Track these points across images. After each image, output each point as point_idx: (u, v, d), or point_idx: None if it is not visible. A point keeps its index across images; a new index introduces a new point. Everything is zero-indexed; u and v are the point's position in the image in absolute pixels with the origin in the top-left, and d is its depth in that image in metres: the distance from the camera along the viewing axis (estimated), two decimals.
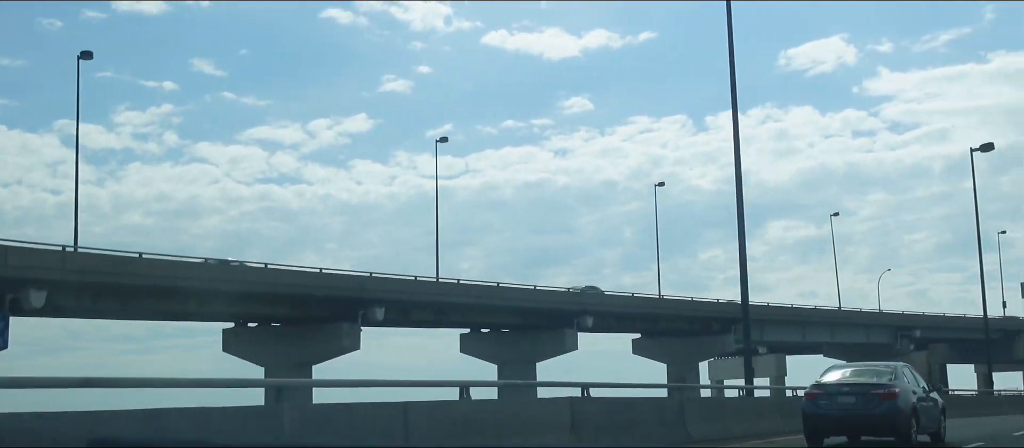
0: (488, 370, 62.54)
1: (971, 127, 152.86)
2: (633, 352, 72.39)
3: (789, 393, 36.40)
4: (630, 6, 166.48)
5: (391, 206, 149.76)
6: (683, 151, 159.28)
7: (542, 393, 21.29)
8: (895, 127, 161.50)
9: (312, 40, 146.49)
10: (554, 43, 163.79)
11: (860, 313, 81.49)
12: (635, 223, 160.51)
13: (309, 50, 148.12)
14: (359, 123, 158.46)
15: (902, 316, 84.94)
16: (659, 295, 70.54)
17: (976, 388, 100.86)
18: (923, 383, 22.11)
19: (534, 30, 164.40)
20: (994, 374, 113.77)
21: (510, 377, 44.25)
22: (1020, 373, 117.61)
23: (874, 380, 20.44)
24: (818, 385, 20.79)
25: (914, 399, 20.31)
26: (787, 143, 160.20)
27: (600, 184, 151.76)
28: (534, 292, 59.06)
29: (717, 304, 67.88)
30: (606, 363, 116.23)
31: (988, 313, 76.23)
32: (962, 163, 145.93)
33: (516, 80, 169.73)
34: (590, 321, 61.46)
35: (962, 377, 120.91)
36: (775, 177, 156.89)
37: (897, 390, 19.93)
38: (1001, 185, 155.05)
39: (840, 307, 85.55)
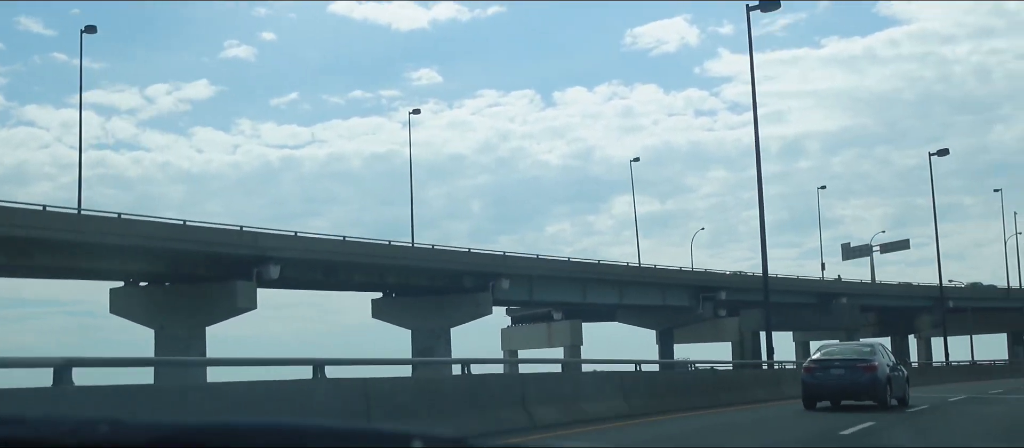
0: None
1: (806, 109, 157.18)
2: (373, 315, 58.86)
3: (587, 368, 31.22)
4: None
5: (234, 175, 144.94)
6: (531, 126, 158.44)
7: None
8: (735, 107, 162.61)
9: (149, 1, 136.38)
10: (402, 14, 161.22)
11: (654, 270, 69.96)
12: (484, 196, 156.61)
13: (147, 11, 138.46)
14: (200, 89, 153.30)
15: (705, 275, 74.08)
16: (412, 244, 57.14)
17: (794, 358, 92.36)
18: (893, 359, 26.87)
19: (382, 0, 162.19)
20: (812, 342, 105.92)
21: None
22: (839, 340, 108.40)
23: (857, 357, 25.24)
24: (813, 360, 25.56)
25: (888, 371, 24.99)
26: (632, 120, 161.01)
27: (448, 157, 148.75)
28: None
29: (469, 254, 54.97)
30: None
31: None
32: (797, 144, 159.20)
33: (364, 50, 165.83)
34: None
35: (778, 346, 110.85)
36: (621, 153, 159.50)
37: (876, 364, 24.67)
38: (833, 166, 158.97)
39: (639, 264, 73.83)
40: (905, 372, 27.63)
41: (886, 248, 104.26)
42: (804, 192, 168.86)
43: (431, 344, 55.80)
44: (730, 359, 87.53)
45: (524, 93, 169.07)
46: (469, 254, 54.97)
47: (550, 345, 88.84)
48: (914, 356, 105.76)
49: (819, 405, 24.36)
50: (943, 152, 75.09)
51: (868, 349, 26.21)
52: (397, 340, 59.02)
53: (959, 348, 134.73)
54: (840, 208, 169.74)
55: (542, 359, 39.53)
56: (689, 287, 72.11)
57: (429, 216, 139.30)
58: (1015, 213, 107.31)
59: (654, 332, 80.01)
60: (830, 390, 24.42)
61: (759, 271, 41.71)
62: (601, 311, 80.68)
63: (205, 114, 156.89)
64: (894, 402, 24.96)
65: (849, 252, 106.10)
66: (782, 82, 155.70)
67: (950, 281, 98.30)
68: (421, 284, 55.26)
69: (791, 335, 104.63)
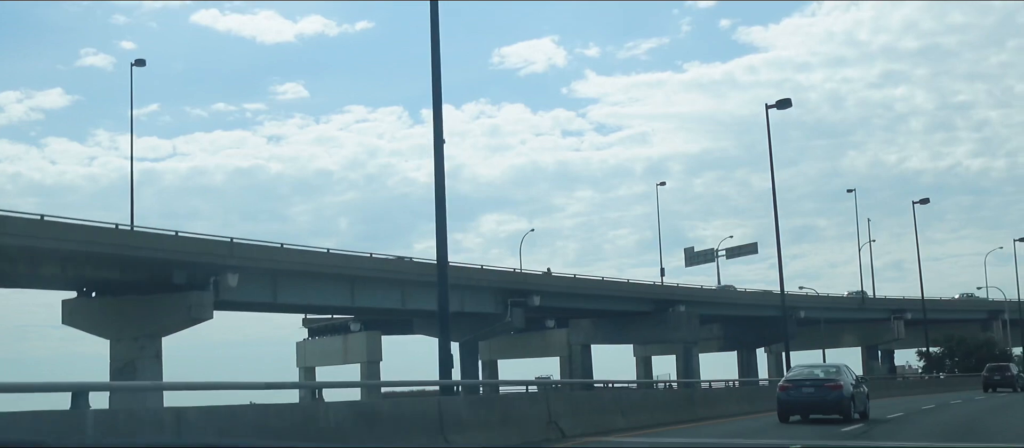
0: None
1: (670, 131, 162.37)
2: (63, 321, 44.93)
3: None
4: None
5: (90, 188, 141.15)
6: (400, 143, 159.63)
7: None
8: (601, 128, 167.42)
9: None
10: (268, 26, 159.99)
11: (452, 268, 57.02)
12: (351, 213, 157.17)
13: None
14: (54, 98, 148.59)
15: (511, 275, 62.06)
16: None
17: (635, 379, 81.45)
18: (855, 377, 29.57)
19: (247, 11, 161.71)
20: (655, 357, 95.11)
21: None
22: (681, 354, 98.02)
23: (825, 377, 28.30)
24: (788, 380, 28.85)
25: (852, 388, 28.12)
26: (500, 139, 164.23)
27: (315, 173, 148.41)
28: None
29: (176, 238, 41.49)
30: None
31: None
32: (661, 165, 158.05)
33: (228, 62, 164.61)
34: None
35: (615, 361, 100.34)
36: (488, 172, 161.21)
37: (841, 383, 27.80)
38: (695, 187, 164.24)
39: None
40: (866, 389, 30.66)
41: (732, 253, 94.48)
42: (668, 212, 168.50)
43: (133, 358, 42.26)
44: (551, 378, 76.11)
45: (392, 109, 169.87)
46: (176, 238, 41.44)
47: (346, 361, 76.00)
48: (764, 372, 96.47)
49: (791, 419, 27.38)
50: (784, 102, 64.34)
51: (834, 370, 29.15)
52: (94, 353, 45.37)
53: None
54: (702, 228, 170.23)
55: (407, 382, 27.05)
56: (492, 289, 59.95)
57: (294, 233, 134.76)
58: (869, 219, 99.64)
59: (457, 345, 67.56)
60: (802, 406, 27.61)
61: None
62: (395, 320, 68.23)
63: (59, 124, 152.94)
64: (857, 416, 27.78)
65: (693, 257, 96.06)
66: (647, 105, 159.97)
67: (801, 288, 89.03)
68: (123, 279, 41.78)
69: (631, 349, 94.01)
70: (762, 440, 22.19)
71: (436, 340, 60.39)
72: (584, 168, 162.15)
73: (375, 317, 68.48)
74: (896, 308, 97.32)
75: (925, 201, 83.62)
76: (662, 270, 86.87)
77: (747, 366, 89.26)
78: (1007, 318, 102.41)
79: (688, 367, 71.42)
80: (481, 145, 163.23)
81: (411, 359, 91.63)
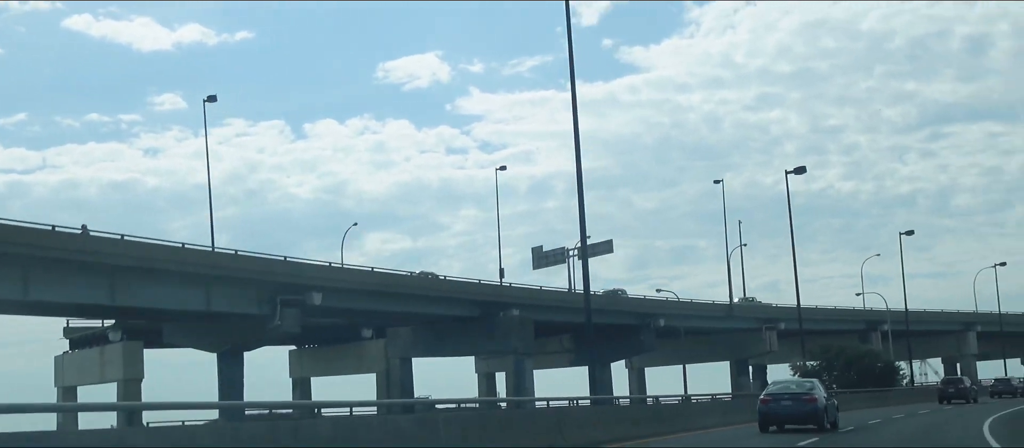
0: None
1: (553, 150, 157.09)
2: None
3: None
4: (227, 5, 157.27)
5: None
6: (281, 157, 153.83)
7: None
8: (485, 146, 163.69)
9: None
10: (144, 34, 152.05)
11: (183, 250, 43.39)
12: (231, 229, 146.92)
13: None
14: None
15: (284, 265, 48.23)
16: None
17: (477, 397, 69.83)
18: (826, 392, 32.47)
19: (123, 18, 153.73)
20: (499, 373, 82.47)
21: None
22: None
23: (801, 391, 31.21)
24: (768, 394, 31.40)
25: (825, 402, 30.85)
26: (385, 155, 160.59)
27: (193, 187, 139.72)
28: None
29: None
30: None
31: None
32: (544, 184, 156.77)
33: (102, 70, 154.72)
34: None
35: (452, 377, 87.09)
36: (372, 188, 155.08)
37: (816, 396, 30.58)
38: (574, 208, 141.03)
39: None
40: (836, 402, 33.86)
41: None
42: (552, 231, 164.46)
43: None
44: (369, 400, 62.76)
45: (274, 123, 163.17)
46: None
47: (103, 379, 61.41)
48: (623, 388, 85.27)
49: (770, 429, 30.32)
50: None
51: (809, 384, 32.54)
52: None
53: (671, 379, 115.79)
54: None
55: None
56: (255, 284, 46.43)
57: None
58: (740, 221, 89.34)
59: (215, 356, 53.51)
60: (781, 417, 30.42)
61: None
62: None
63: None
64: (829, 425, 30.70)
65: (541, 258, 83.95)
66: (530, 123, 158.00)
67: (659, 291, 77.41)
68: None
69: (473, 362, 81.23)
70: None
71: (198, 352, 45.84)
72: (468, 186, 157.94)
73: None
74: (768, 317, 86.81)
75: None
76: (501, 271, 74.55)
77: (599, 383, 77.09)
78: (888, 329, 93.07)
79: (519, 383, 59.05)
80: (365, 161, 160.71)
81: (180, 374, 76.97)
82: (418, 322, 63.95)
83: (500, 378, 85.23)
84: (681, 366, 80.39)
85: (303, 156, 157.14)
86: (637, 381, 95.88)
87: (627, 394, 78.79)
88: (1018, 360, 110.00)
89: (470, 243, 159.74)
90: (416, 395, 64.11)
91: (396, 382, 66.51)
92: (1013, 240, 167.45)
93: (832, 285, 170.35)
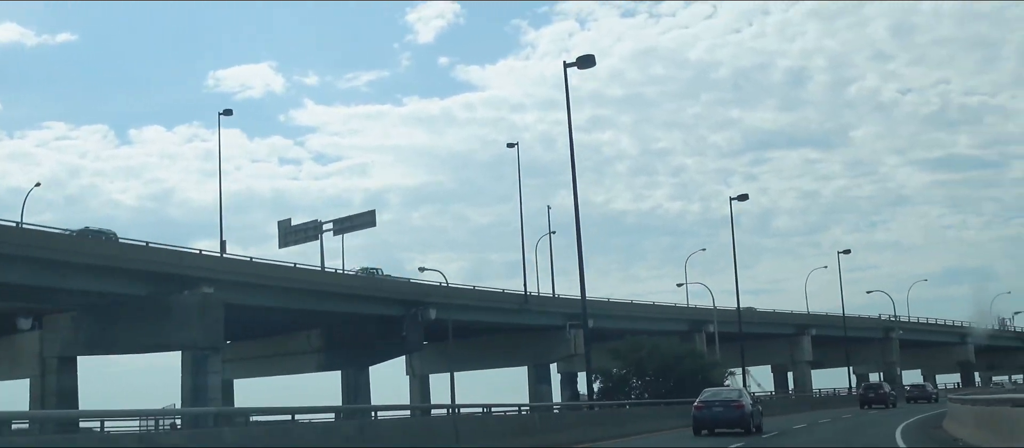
0: None
1: (388, 164, 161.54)
2: None
3: None
4: (50, 5, 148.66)
5: None
6: (105, 163, 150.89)
7: None
8: (320, 158, 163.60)
9: None
10: None
11: None
12: None
13: None
14: None
15: None
16: None
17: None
18: (751, 399, 36.02)
19: None
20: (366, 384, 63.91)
21: None
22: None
23: (731, 398, 34.23)
24: (702, 401, 34.02)
25: (751, 407, 34.20)
26: (214, 164, 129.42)
27: (8, 191, 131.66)
28: None
29: None
30: None
31: None
32: (380, 197, 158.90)
33: None
34: None
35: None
36: (202, 197, 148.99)
37: (743, 403, 33.81)
38: (413, 220, 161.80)
39: None
40: (760, 408, 37.11)
41: (342, 226, 65.28)
42: (387, 244, 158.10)
43: None
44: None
45: (97, 128, 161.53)
46: None
47: None
48: (399, 398, 67.83)
49: (702, 432, 33.03)
50: None
51: (737, 393, 36.21)
52: None
53: (468, 387, 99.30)
54: (419, 261, 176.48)
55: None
56: None
57: None
58: (548, 207, 74.09)
59: None
60: (712, 422, 33.22)
61: None
62: None
63: None
64: (754, 429, 33.58)
65: (290, 233, 66.21)
66: (366, 136, 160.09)
67: (422, 269, 60.31)
68: None
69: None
70: None
71: None
72: (302, 197, 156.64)
73: None
74: (574, 312, 71.26)
75: None
76: (223, 242, 56.37)
77: (355, 392, 59.79)
78: (715, 330, 78.84)
79: (195, 391, 41.05)
80: (194, 169, 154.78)
81: None
82: (82, 306, 45.60)
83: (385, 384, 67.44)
84: (466, 372, 64.08)
85: (128, 162, 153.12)
86: (420, 390, 79.14)
87: (401, 404, 61.80)
88: (849, 368, 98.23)
89: (303, 254, 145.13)
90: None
91: (53, 393, 47.64)
92: (829, 259, 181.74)
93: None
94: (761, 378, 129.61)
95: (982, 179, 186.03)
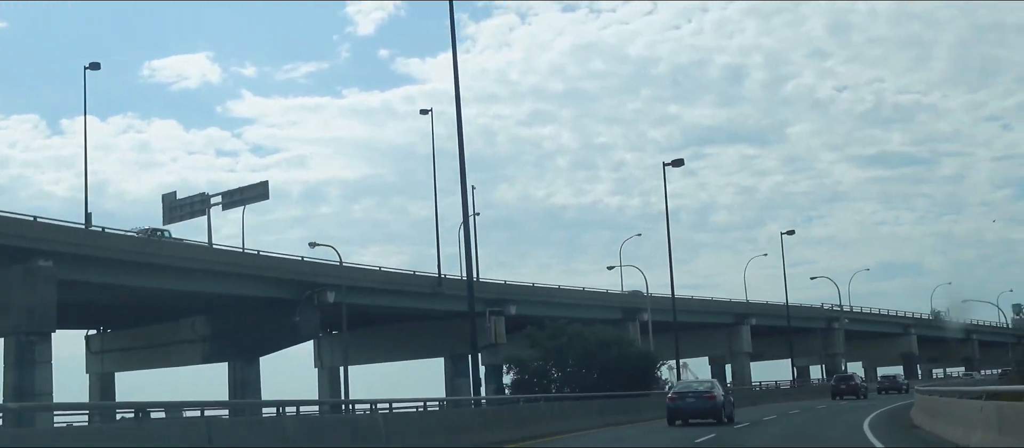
0: None
1: (327, 156, 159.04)
2: None
3: None
4: None
5: None
6: (35, 154, 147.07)
7: None
8: (257, 150, 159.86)
9: None
10: None
11: None
12: None
13: None
14: None
15: None
16: None
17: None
18: (723, 390, 36.93)
19: None
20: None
21: None
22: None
23: (704, 389, 35.13)
24: (676, 392, 35.40)
25: (722, 398, 34.88)
26: (149, 155, 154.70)
27: None
28: None
29: None
30: None
31: None
32: (318, 190, 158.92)
33: None
34: None
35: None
36: (137, 189, 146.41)
37: (716, 394, 34.50)
38: (353, 213, 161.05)
39: None
40: (732, 399, 38.53)
41: (232, 198, 58.26)
42: (326, 237, 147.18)
43: None
44: None
45: (27, 117, 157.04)
46: None
47: None
48: (300, 393, 60.87)
49: (677, 423, 33.76)
50: None
51: (710, 384, 36.64)
52: None
53: (378, 380, 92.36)
54: (359, 255, 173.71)
55: None
56: None
57: None
58: (473, 186, 67.15)
59: None
60: (686, 412, 33.98)
61: None
62: None
63: None
64: (726, 419, 34.33)
65: (175, 208, 59.00)
66: (304, 128, 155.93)
67: (313, 244, 53.13)
68: None
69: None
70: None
71: None
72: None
73: None
74: (496, 297, 64.96)
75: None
76: (88, 215, 49.00)
77: (242, 386, 52.77)
78: (649, 319, 73.01)
79: (19, 385, 33.84)
80: (128, 160, 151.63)
81: None
82: None
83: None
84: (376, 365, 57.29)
85: (60, 153, 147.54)
86: (329, 384, 72.31)
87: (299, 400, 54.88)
88: (792, 359, 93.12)
89: (195, 229, 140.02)
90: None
91: None
92: (771, 257, 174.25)
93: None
94: (698, 370, 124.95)
95: (914, 176, 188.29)
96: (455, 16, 33.16)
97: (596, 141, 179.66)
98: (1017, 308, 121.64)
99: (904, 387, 73.21)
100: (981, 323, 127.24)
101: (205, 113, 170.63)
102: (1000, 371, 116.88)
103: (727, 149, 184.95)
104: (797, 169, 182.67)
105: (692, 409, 33.72)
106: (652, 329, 71.41)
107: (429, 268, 67.69)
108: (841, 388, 63.40)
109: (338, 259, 51.91)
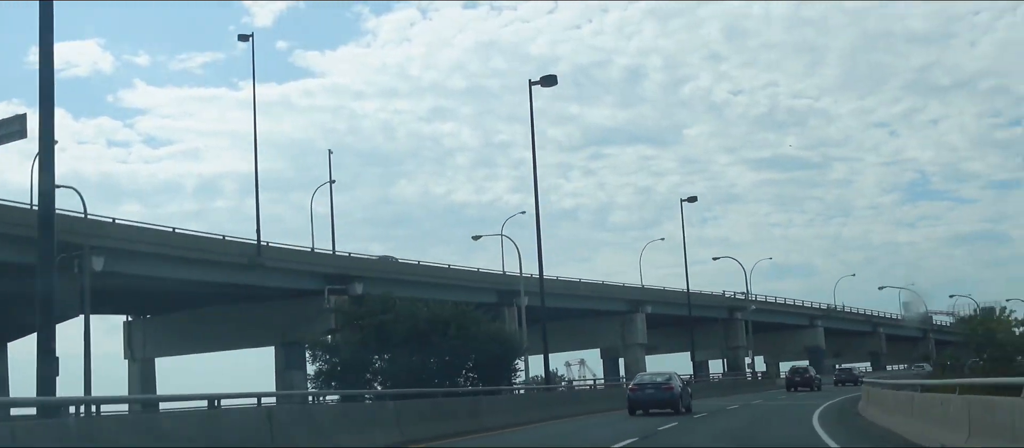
0: None
1: (223, 149, 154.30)
2: None
3: None
4: None
5: None
6: None
7: None
8: (151, 141, 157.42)
9: None
10: None
11: None
12: None
13: None
14: None
15: None
16: None
17: None
18: (682, 382, 38.46)
19: None
20: None
21: None
22: None
23: (662, 380, 36.59)
24: (636, 384, 37.24)
25: (680, 389, 36.49)
26: (36, 146, 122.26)
27: None
28: None
29: None
30: None
31: None
32: (213, 183, 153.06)
33: None
34: None
35: None
36: (21, 179, 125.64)
37: (673, 385, 36.07)
38: (248, 207, 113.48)
39: None
40: (690, 390, 40.44)
41: None
42: (221, 230, 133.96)
43: None
44: None
45: None
46: None
47: None
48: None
49: (637, 413, 35.22)
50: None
51: (668, 377, 37.45)
52: None
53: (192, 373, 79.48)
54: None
55: None
56: None
57: None
58: (330, 151, 54.91)
59: None
60: (646, 402, 35.61)
61: None
62: None
63: None
64: (684, 409, 35.67)
65: None
66: (200, 120, 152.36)
67: (59, 187, 40.34)
68: None
69: None
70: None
71: None
72: (131, 181, 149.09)
73: None
74: (338, 271, 52.95)
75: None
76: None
77: None
78: (523, 304, 61.69)
79: None
80: (14, 150, 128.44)
81: None
82: None
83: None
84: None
85: None
86: (140, 376, 59.66)
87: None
88: (692, 352, 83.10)
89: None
90: None
91: None
92: (665, 254, 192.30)
93: None
94: (593, 364, 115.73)
95: (806, 179, 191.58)
96: (355, 9, 21.76)
97: (496, 139, 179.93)
98: (906, 306, 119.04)
99: (860, 379, 69.52)
100: (886, 316, 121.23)
101: (96, 102, 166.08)
102: (907, 366, 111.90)
103: (626, 149, 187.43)
104: (694, 171, 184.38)
105: (651, 399, 35.49)
106: (523, 314, 60.17)
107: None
108: (795, 380, 65.47)
109: (84, 211, 39.09)
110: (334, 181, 64.52)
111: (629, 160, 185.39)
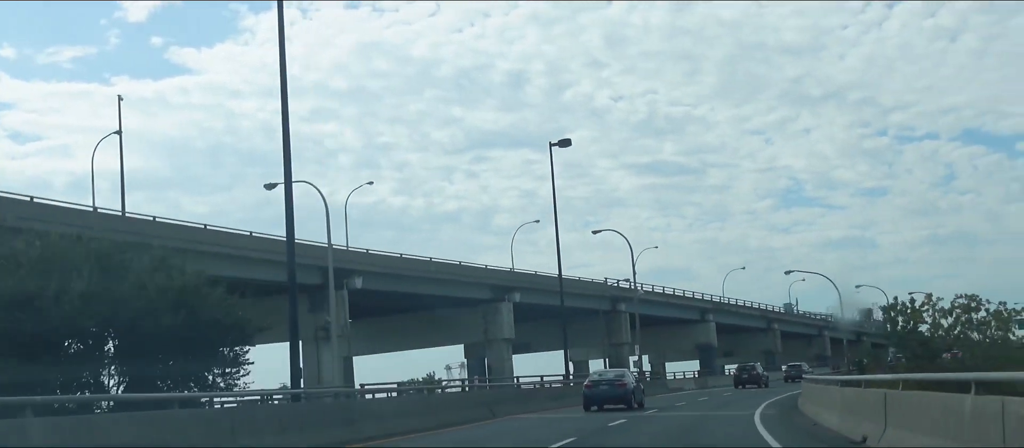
0: None
1: (93, 145, 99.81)
2: None
3: None
4: None
5: None
6: None
7: None
8: (16, 137, 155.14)
9: None
10: None
11: None
12: None
13: None
14: None
15: None
16: None
17: None
18: (635, 378, 42.23)
19: None
20: None
21: None
22: None
23: (615, 378, 39.57)
24: (590, 380, 39.79)
25: (633, 385, 39.10)
26: None
27: None
28: None
29: None
30: None
31: None
32: (88, 180, 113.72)
33: None
34: None
35: None
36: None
37: (627, 382, 38.80)
38: (137, 205, 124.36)
39: None
40: (643, 386, 43.28)
41: None
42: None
43: None
44: None
45: None
46: None
47: None
48: None
49: (592, 409, 37.23)
50: None
51: (621, 373, 41.18)
52: None
53: None
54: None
55: None
56: None
57: None
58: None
59: None
60: (600, 399, 37.82)
61: None
62: None
63: None
64: (636, 405, 38.12)
65: None
66: (70, 116, 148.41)
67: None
68: None
69: None
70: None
71: None
72: None
73: None
74: (188, 245, 38.65)
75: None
76: None
77: None
78: (357, 285, 48.35)
79: None
80: None
81: None
82: None
83: None
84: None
85: None
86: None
87: None
88: (565, 349, 70.74)
89: None
90: None
91: None
92: (545, 258, 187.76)
93: None
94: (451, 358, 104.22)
95: (685, 185, 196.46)
96: (232, 6, 8.23)
97: (379, 140, 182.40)
98: (788, 307, 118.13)
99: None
100: (778, 311, 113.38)
101: None
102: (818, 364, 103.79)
103: (509, 153, 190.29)
104: (576, 175, 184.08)
105: (605, 396, 37.92)
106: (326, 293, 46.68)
107: None
108: (743, 378, 68.55)
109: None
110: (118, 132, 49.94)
111: (513, 163, 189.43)
